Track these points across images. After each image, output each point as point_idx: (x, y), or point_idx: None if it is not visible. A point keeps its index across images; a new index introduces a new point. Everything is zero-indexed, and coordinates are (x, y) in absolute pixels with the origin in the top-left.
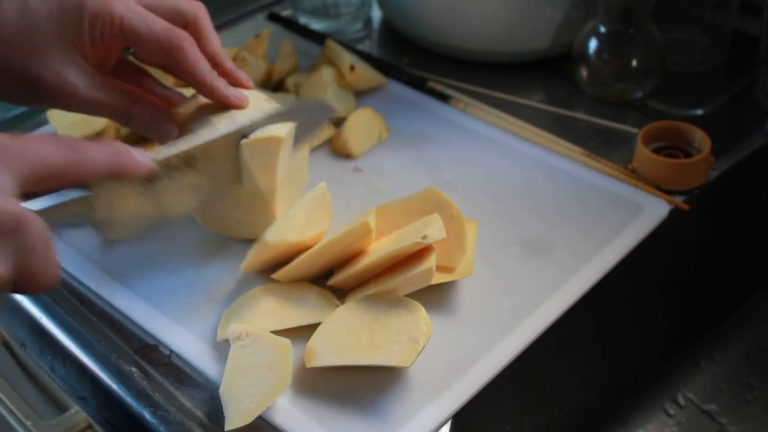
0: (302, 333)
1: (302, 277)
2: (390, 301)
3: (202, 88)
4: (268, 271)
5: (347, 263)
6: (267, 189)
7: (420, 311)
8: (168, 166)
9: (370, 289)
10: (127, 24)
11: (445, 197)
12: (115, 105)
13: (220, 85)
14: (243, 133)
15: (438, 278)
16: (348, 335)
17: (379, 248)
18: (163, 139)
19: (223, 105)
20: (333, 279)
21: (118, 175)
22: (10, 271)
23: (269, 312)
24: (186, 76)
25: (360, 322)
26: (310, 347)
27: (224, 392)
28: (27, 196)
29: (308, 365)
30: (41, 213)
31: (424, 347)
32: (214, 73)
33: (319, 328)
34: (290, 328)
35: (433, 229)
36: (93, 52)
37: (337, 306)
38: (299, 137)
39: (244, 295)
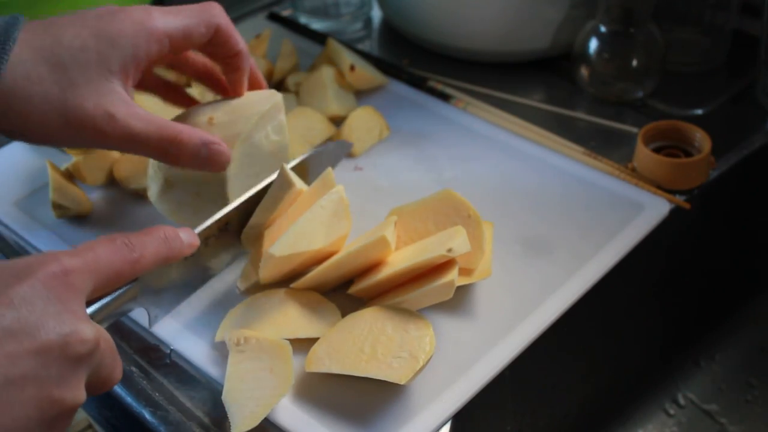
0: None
1: (320, 287)
2: (401, 315)
3: (244, 60)
4: None
5: (368, 272)
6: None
7: (427, 329)
8: (206, 235)
9: (390, 300)
10: (171, 27)
11: (461, 198)
12: (157, 136)
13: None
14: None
15: (458, 281)
16: (352, 344)
17: (400, 258)
18: (219, 167)
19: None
20: (353, 288)
21: (168, 262)
22: (88, 385)
23: (273, 321)
24: (229, 50)
25: (367, 332)
26: (313, 351)
27: (227, 398)
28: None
29: (308, 369)
30: (97, 313)
31: (424, 366)
32: (247, 51)
33: (327, 333)
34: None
35: (459, 242)
36: (135, 73)
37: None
38: (318, 172)
39: (248, 299)
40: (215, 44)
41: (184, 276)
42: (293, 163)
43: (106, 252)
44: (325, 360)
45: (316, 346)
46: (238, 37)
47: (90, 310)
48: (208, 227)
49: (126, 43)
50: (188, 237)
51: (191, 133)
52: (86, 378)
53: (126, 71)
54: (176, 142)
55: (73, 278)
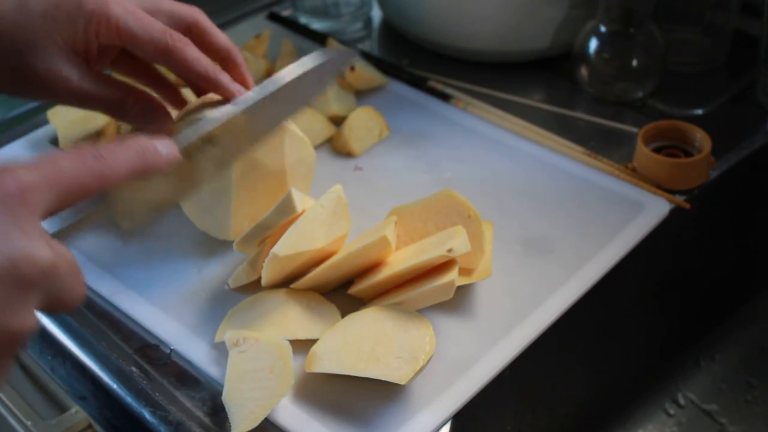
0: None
1: (320, 287)
2: (401, 315)
3: (206, 82)
4: None
5: (368, 272)
6: (277, 169)
7: (427, 329)
8: (189, 149)
9: (390, 300)
10: (123, 26)
11: (461, 198)
12: (107, 97)
13: (225, 79)
14: (262, 107)
15: (458, 281)
16: (352, 344)
17: (401, 258)
18: (159, 132)
19: (227, 99)
20: (353, 288)
21: (142, 175)
22: (42, 308)
23: (273, 321)
24: (189, 74)
25: (367, 332)
26: (313, 351)
27: (227, 399)
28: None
29: (307, 370)
30: (64, 231)
31: (424, 366)
32: (218, 68)
33: (327, 333)
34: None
35: (459, 242)
36: (87, 50)
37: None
38: (321, 82)
39: (248, 299)
40: (194, 42)
41: (162, 190)
42: (290, 76)
43: (71, 164)
44: (325, 360)
45: (315, 347)
46: (217, 32)
47: (56, 226)
48: (192, 141)
49: (81, 23)
50: (167, 149)
51: (135, 100)
52: (41, 301)
53: (84, 49)
54: (121, 104)
55: (30, 195)
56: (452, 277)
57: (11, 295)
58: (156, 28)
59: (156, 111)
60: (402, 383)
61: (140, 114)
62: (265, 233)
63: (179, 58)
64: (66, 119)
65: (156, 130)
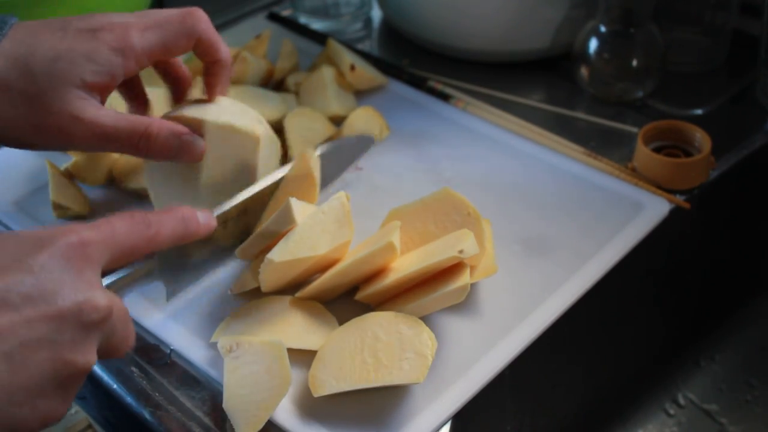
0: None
1: (326, 294)
2: (387, 319)
3: (222, 69)
4: None
5: (374, 278)
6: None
7: (420, 326)
8: (225, 218)
9: (400, 305)
10: (147, 43)
11: (460, 197)
12: (130, 130)
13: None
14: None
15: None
16: (351, 359)
17: (408, 262)
18: (193, 156)
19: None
20: (360, 294)
21: (183, 241)
22: (98, 351)
23: (270, 328)
24: (210, 58)
25: (360, 343)
26: (313, 375)
27: (228, 406)
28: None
29: (315, 395)
30: (113, 283)
31: (432, 361)
32: (228, 52)
33: (318, 354)
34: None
35: (468, 244)
36: (111, 86)
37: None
38: (342, 168)
39: (248, 305)
40: (197, 53)
41: (202, 254)
42: (315, 153)
43: (124, 227)
44: (331, 381)
45: (314, 370)
46: (220, 45)
47: (106, 281)
48: (228, 210)
49: (102, 61)
50: (206, 219)
51: (161, 124)
52: (98, 343)
53: (100, 85)
54: (146, 135)
55: (90, 250)
56: (465, 280)
57: (78, 335)
58: (171, 21)
59: (181, 137)
60: (419, 382)
61: (165, 144)
62: (266, 243)
63: (203, 35)
64: None
65: (191, 157)
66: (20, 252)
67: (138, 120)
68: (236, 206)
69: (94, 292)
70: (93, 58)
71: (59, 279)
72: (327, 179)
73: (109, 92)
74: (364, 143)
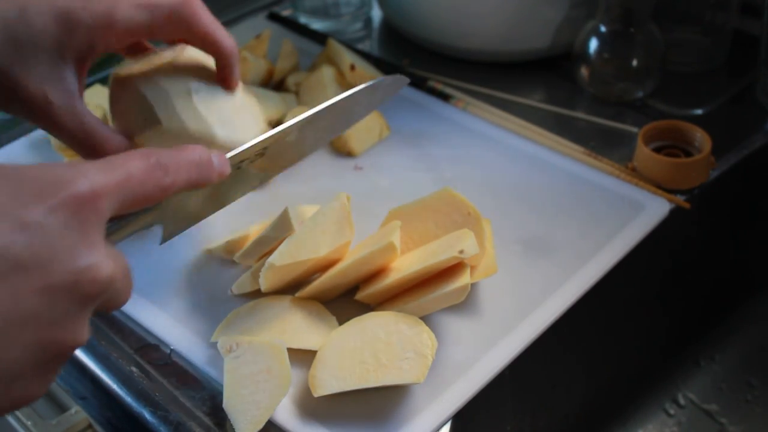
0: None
1: (326, 294)
2: (387, 318)
3: (222, 58)
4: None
5: (374, 278)
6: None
7: (420, 325)
8: (239, 161)
9: (400, 305)
10: (132, 23)
11: (460, 197)
12: (80, 137)
13: (235, 58)
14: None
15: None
16: (351, 359)
17: (407, 262)
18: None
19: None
20: (360, 294)
21: (197, 187)
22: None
23: (270, 328)
24: (204, 44)
25: (360, 343)
26: (313, 376)
27: (228, 406)
28: None
29: (315, 395)
30: (115, 233)
31: (432, 360)
32: (231, 39)
33: (318, 354)
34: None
35: (468, 244)
36: (91, 61)
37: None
38: (370, 104)
39: (248, 305)
40: (198, 47)
41: (207, 196)
42: (352, 91)
43: (140, 172)
44: (331, 381)
45: (314, 371)
46: (221, 37)
47: (110, 230)
48: (245, 151)
49: (85, 34)
50: (220, 165)
51: (118, 145)
52: (95, 307)
53: (81, 60)
54: (100, 149)
55: (101, 203)
56: (466, 280)
57: (69, 310)
58: (162, 3)
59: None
60: (420, 382)
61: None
62: (265, 249)
63: (195, 26)
64: None
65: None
66: (15, 201)
67: (97, 131)
68: (254, 148)
69: (96, 257)
70: (76, 31)
71: (58, 242)
72: (356, 117)
73: (91, 64)
74: (398, 82)
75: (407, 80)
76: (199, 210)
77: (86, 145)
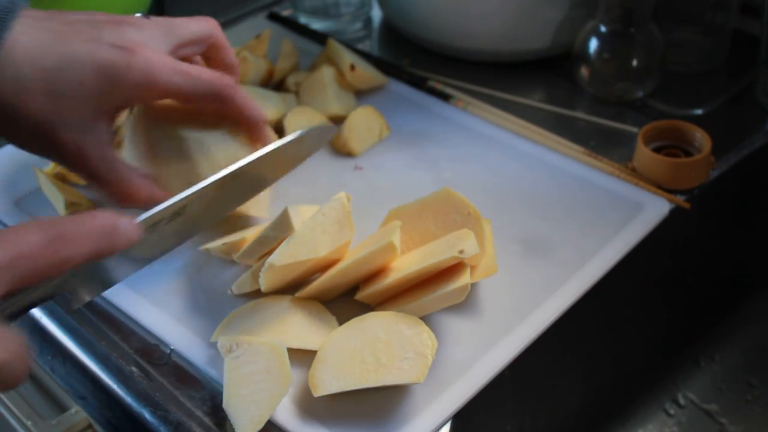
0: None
1: (325, 294)
2: (387, 318)
3: (254, 129)
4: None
5: (374, 278)
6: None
7: (420, 325)
8: (154, 223)
9: (400, 305)
10: (174, 88)
11: (460, 197)
12: (115, 185)
13: (265, 126)
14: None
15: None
16: (351, 359)
17: (407, 262)
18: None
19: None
20: (360, 294)
21: (102, 257)
22: None
23: (270, 328)
24: (236, 117)
25: (360, 343)
26: (313, 375)
27: (228, 406)
28: None
29: (315, 394)
30: (9, 310)
31: (432, 360)
32: (262, 113)
33: (318, 354)
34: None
35: (469, 244)
36: (125, 108)
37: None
38: (302, 156)
39: (248, 305)
40: (204, 56)
41: (118, 261)
42: (275, 146)
43: (36, 246)
44: (331, 381)
45: (313, 370)
46: (250, 110)
47: (6, 304)
48: (161, 212)
49: (125, 90)
50: (128, 231)
51: (146, 189)
52: None
53: (116, 111)
54: (127, 192)
55: None
56: (466, 280)
57: None
58: (203, 79)
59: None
60: (419, 382)
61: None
62: (265, 249)
63: (230, 104)
64: None
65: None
66: None
67: (127, 180)
68: (170, 208)
69: None
70: (118, 87)
71: None
72: (282, 170)
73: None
74: (326, 133)
75: (335, 129)
76: (115, 274)
77: (116, 190)
